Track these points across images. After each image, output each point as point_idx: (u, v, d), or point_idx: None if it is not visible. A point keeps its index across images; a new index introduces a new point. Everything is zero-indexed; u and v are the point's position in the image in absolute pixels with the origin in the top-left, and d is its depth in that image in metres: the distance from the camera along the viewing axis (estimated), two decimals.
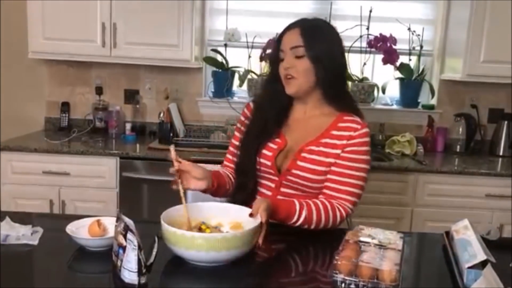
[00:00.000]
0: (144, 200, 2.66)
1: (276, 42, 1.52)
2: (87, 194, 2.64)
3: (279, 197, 1.53)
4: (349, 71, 2.73)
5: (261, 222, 1.23)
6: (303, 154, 1.49)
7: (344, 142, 1.47)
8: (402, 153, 2.85)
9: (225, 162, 1.69)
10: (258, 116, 1.56)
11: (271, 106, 1.55)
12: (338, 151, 1.47)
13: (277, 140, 1.54)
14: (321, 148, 1.49)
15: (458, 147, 3.02)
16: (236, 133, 1.65)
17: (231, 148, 1.67)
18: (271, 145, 1.53)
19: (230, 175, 1.61)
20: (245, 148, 1.56)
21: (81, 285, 1.15)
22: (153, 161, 2.61)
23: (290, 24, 1.52)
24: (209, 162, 2.60)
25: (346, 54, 1.58)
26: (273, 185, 1.54)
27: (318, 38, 1.46)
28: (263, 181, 1.56)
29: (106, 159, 2.62)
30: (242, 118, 1.64)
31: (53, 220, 1.62)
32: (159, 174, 2.59)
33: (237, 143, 1.62)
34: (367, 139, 1.50)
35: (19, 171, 2.63)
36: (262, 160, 1.53)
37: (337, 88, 1.52)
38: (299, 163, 1.48)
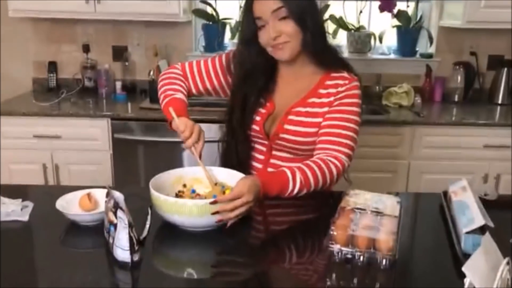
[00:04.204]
0: (140, 161, 2.63)
1: (245, 11, 1.42)
2: (81, 156, 2.60)
3: (271, 160, 1.51)
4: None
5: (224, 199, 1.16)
6: (290, 117, 1.46)
7: (332, 98, 1.44)
8: (400, 104, 2.80)
9: (185, 73, 1.59)
10: (247, 88, 1.49)
11: (259, 76, 1.48)
12: (326, 109, 1.44)
13: (266, 104, 1.50)
14: (308, 109, 1.45)
15: (456, 96, 2.96)
16: (209, 63, 1.56)
17: (199, 69, 1.57)
18: (260, 110, 1.50)
19: (185, 89, 1.55)
20: (238, 119, 1.50)
21: (75, 261, 1.13)
22: (145, 122, 2.56)
23: None
24: (204, 121, 2.55)
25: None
26: (264, 149, 1.53)
27: None
28: (255, 145, 1.55)
29: (97, 121, 2.56)
30: (223, 59, 1.56)
31: (44, 193, 1.58)
32: (152, 135, 2.54)
33: (209, 69, 1.56)
34: (356, 91, 1.45)
35: (9, 136, 2.58)
36: (251, 126, 1.50)
37: (322, 43, 1.45)
38: (286, 126, 1.45)
